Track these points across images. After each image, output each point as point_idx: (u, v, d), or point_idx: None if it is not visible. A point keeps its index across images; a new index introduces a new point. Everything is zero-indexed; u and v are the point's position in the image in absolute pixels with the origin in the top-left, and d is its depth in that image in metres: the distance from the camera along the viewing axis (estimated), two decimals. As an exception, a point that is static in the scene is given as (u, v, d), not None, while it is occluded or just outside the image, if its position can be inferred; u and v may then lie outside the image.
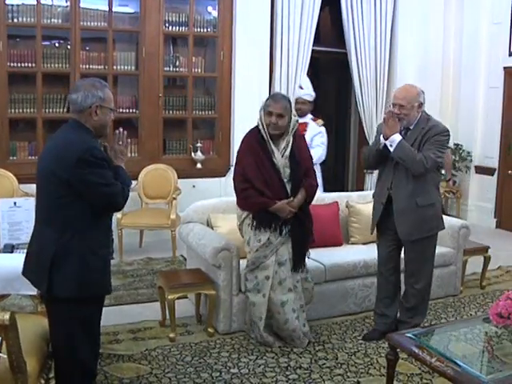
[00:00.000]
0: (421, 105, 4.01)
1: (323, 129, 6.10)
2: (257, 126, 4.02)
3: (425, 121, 4.01)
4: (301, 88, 6.12)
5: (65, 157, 2.79)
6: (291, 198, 3.94)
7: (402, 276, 4.30)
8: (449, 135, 4.05)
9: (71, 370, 2.93)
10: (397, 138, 3.89)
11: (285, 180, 3.97)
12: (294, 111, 4.10)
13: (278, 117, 3.90)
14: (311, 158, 4.23)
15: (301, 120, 5.67)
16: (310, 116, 6.03)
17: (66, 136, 2.94)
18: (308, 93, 6.04)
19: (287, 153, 3.96)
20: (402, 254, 4.23)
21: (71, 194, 2.81)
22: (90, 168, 2.78)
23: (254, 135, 4.02)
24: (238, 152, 4.10)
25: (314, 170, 4.21)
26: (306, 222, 4.07)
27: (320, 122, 6.12)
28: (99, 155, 2.84)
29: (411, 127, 4.02)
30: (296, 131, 4.06)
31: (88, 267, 2.83)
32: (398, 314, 4.32)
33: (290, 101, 4.07)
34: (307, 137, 5.67)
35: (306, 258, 4.17)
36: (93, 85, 2.97)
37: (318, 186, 4.19)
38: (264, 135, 3.96)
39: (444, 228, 4.23)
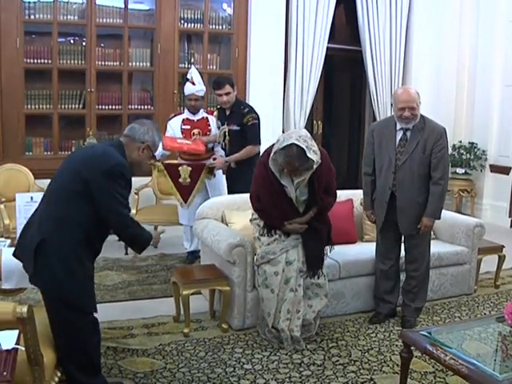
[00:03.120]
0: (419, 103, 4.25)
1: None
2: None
3: (421, 120, 4.24)
4: (193, 84, 5.59)
5: (97, 163, 2.94)
6: (301, 218, 3.97)
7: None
8: (447, 135, 4.29)
9: (70, 357, 2.97)
10: (430, 222, 4.27)
11: (297, 205, 3.97)
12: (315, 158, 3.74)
13: (299, 175, 3.82)
14: (332, 174, 4.05)
15: (197, 116, 5.71)
16: (202, 110, 5.78)
17: (106, 148, 3.09)
18: (201, 88, 5.65)
19: (303, 184, 3.88)
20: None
21: (85, 197, 2.90)
22: (115, 182, 2.93)
23: (268, 166, 3.86)
24: (255, 171, 4.09)
25: (332, 193, 4.08)
26: (321, 231, 4.06)
27: (215, 113, 5.80)
28: (128, 177, 3.01)
29: (410, 127, 4.22)
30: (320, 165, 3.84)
31: (72, 275, 2.89)
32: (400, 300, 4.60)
33: (310, 162, 3.74)
34: (213, 132, 5.70)
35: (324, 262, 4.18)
36: (157, 129, 3.26)
37: (335, 199, 4.11)
38: (277, 175, 3.86)
39: (440, 218, 4.36)
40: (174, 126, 5.69)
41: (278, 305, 4.02)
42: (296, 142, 3.67)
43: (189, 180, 5.50)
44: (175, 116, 5.81)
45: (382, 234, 4.48)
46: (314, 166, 3.76)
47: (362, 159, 4.60)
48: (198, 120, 5.72)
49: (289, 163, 3.73)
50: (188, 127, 5.66)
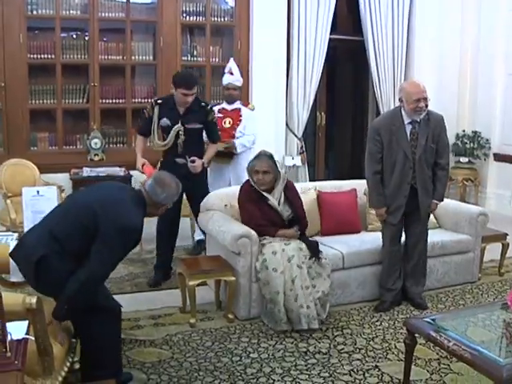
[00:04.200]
0: None
1: (255, 113, 6.12)
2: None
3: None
4: (231, 74, 5.97)
5: (114, 215, 2.99)
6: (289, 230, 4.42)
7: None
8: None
9: (91, 347, 3.03)
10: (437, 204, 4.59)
11: (284, 217, 4.43)
12: (279, 168, 4.45)
13: (264, 173, 4.35)
14: (302, 206, 4.57)
15: (232, 106, 5.88)
16: (239, 102, 6.00)
17: (128, 202, 3.13)
18: (238, 78, 5.98)
19: (282, 200, 4.42)
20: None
21: (90, 235, 2.95)
22: (121, 240, 2.98)
23: (249, 186, 4.47)
24: (239, 200, 4.53)
25: (305, 214, 4.54)
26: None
27: (251, 106, 6.20)
28: (135, 241, 3.14)
29: (418, 119, 4.34)
30: (287, 184, 4.51)
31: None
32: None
33: (274, 159, 4.43)
34: (242, 123, 5.82)
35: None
36: (177, 191, 3.36)
37: (307, 225, 4.56)
38: (256, 188, 4.40)
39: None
40: None
41: (286, 284, 4.11)
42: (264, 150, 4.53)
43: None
44: (214, 106, 5.92)
45: (392, 223, 4.52)
46: (281, 177, 4.42)
47: (367, 159, 4.54)
48: (231, 110, 5.88)
49: (260, 160, 4.41)
50: (221, 116, 5.82)
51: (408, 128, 4.35)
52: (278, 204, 4.41)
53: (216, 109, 5.80)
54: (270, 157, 4.44)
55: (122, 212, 3.02)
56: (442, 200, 4.61)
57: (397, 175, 4.40)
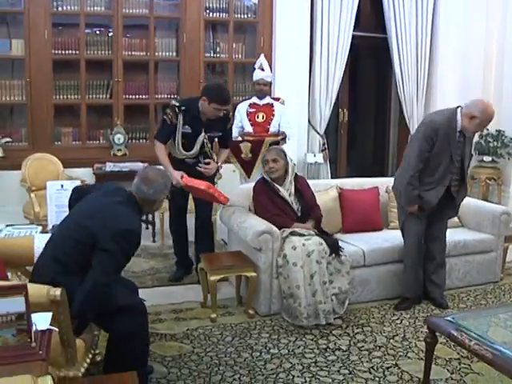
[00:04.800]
0: None
1: (286, 107, 6.18)
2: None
3: None
4: (262, 70, 6.02)
5: (107, 223, 2.95)
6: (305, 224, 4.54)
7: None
8: None
9: (119, 345, 3.05)
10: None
11: (295, 209, 4.57)
12: (288, 159, 4.64)
13: (273, 162, 4.55)
14: (314, 196, 4.72)
15: (263, 101, 5.94)
16: (269, 96, 6.08)
17: (118, 208, 3.08)
18: (268, 74, 6.05)
19: (292, 191, 4.58)
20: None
21: (89, 248, 2.95)
22: (119, 245, 2.92)
23: (261, 182, 4.68)
24: (253, 196, 4.71)
25: (318, 206, 4.69)
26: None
27: (282, 100, 6.24)
28: (134, 243, 3.03)
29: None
30: (298, 177, 4.73)
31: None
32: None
33: (283, 151, 4.68)
34: (276, 118, 5.88)
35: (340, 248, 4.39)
36: (165, 185, 3.27)
37: (322, 216, 4.68)
38: (268, 179, 4.59)
39: None
40: (241, 110, 5.95)
41: (305, 279, 4.14)
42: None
43: (250, 155, 5.75)
44: (243, 101, 6.08)
45: (419, 219, 4.51)
46: (291, 169, 4.61)
47: (416, 155, 4.38)
48: (263, 105, 5.94)
49: (268, 151, 4.78)
50: (253, 110, 5.90)
51: (457, 135, 4.34)
52: (289, 195, 4.56)
53: (247, 103, 5.96)
54: (279, 149, 4.77)
55: (114, 217, 2.99)
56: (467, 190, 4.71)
57: (437, 177, 4.40)
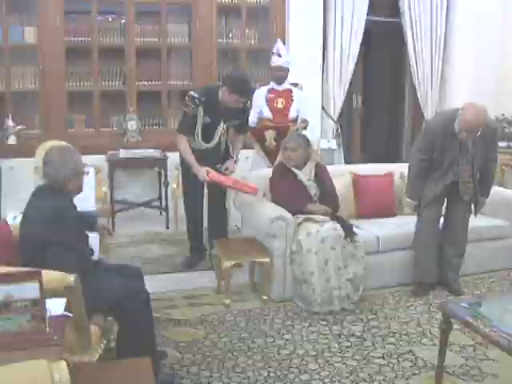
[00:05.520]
0: None
1: (305, 92, 6.14)
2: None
3: None
4: (279, 56, 5.89)
5: (34, 221, 2.92)
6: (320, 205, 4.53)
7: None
8: None
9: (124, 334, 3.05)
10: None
11: (311, 193, 4.56)
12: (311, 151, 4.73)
13: (292, 151, 4.58)
14: (333, 186, 4.72)
15: (282, 87, 5.86)
16: (287, 82, 5.96)
17: (37, 201, 3.01)
18: (286, 60, 5.93)
19: (312, 176, 4.60)
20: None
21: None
22: (56, 228, 2.85)
23: (281, 164, 4.72)
24: (271, 179, 4.71)
25: (337, 196, 4.69)
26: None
27: (300, 86, 6.17)
28: (71, 215, 2.97)
29: None
30: (320, 165, 4.78)
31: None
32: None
33: (306, 139, 4.72)
34: (295, 104, 5.82)
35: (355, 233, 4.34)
36: (62, 158, 3.04)
37: (339, 206, 4.66)
38: (287, 165, 4.62)
39: None
40: (260, 95, 5.82)
41: (319, 265, 4.14)
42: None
43: (274, 143, 5.65)
44: (261, 86, 5.97)
45: (437, 206, 4.56)
46: (313, 156, 4.72)
47: (418, 147, 4.49)
48: (282, 90, 5.86)
49: (290, 137, 4.84)
50: (273, 96, 5.82)
51: (458, 137, 4.27)
52: (308, 180, 4.58)
53: (265, 89, 5.85)
54: (302, 136, 4.77)
55: (36, 210, 2.95)
56: (487, 196, 4.62)
57: (438, 175, 4.43)
